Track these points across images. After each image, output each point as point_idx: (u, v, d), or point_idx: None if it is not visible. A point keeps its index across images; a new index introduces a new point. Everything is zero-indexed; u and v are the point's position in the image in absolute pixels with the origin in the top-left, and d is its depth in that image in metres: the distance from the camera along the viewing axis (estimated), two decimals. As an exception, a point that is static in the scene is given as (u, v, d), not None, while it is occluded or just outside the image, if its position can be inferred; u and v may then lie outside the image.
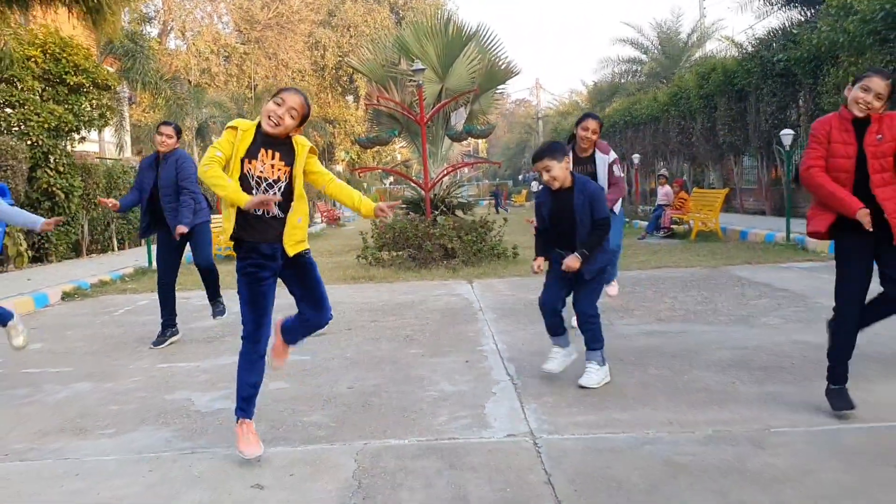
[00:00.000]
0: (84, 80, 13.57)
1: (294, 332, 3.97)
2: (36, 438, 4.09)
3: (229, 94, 35.59)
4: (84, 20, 6.67)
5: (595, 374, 4.54)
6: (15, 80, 12.94)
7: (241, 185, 3.45)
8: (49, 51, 13.29)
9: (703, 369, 4.89)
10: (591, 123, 5.89)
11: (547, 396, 4.41)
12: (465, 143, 38.83)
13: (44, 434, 4.15)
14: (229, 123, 3.57)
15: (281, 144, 3.54)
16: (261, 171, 3.48)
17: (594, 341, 4.59)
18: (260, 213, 3.50)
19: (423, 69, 12.27)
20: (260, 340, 3.66)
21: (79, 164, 14.53)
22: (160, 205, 6.28)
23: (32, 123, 12.79)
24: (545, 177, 4.47)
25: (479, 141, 66.20)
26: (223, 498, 3.18)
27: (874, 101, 3.71)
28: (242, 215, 3.49)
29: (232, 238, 3.59)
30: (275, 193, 3.48)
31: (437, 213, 11.79)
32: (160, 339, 6.41)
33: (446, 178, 16.36)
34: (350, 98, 46.56)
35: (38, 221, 5.28)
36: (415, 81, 16.84)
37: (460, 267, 10.37)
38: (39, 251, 13.44)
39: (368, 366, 5.41)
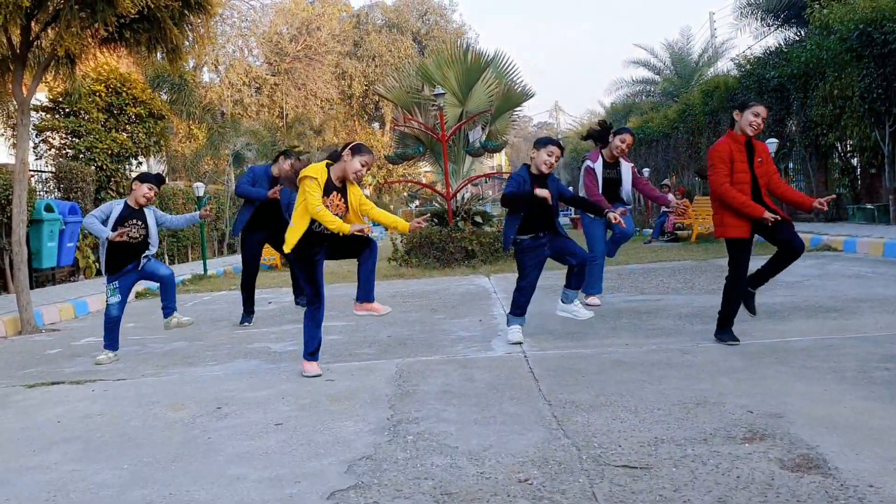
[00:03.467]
0: (142, 111, 15.29)
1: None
2: (159, 368, 5.55)
3: (262, 123, 37.44)
4: (165, 58, 8.15)
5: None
6: (82, 111, 14.66)
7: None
8: (111, 85, 15.03)
9: (665, 318, 6.24)
10: (628, 138, 7.10)
11: (540, 335, 5.80)
12: (488, 163, 40.24)
13: (163, 366, 5.62)
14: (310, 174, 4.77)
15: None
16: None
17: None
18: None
19: (443, 93, 13.77)
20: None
21: (135, 187, 16.20)
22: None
23: (98, 150, 14.47)
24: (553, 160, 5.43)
25: (503, 162, 67.59)
26: (306, 386, 4.60)
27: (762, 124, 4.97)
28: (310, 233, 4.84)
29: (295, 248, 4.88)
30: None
31: (458, 219, 13.21)
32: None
33: (468, 192, 17.78)
34: (376, 125, 48.49)
35: (195, 216, 6.62)
36: (436, 105, 18.50)
37: (479, 265, 11.79)
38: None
39: (402, 325, 6.83)
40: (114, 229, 5.85)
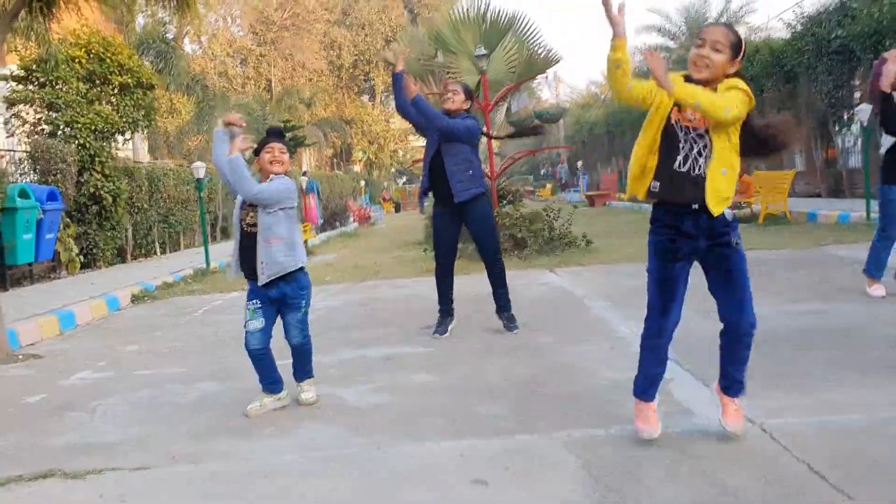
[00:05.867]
0: (129, 80, 13.30)
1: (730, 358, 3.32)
2: (194, 441, 3.80)
3: (248, 97, 35.34)
4: (172, 9, 6.46)
5: None
6: (59, 81, 12.68)
7: (667, 138, 3.11)
8: (93, 51, 13.02)
9: (887, 347, 4.55)
10: None
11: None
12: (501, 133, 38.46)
13: (200, 437, 3.87)
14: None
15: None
16: (690, 120, 3.08)
17: None
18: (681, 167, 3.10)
19: (486, 54, 11.96)
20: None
21: (121, 167, 14.27)
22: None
23: (79, 125, 12.51)
24: None
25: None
26: (449, 496, 2.88)
27: None
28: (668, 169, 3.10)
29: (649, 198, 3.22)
30: (705, 145, 3.08)
31: (504, 203, 11.48)
32: (442, 330, 5.85)
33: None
34: (366, 98, 46.37)
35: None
36: (454, 72, 16.62)
37: (534, 256, 10.05)
38: (87, 257, 13.15)
39: (506, 353, 5.11)
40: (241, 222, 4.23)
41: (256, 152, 4.28)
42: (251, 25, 38.64)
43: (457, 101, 5.71)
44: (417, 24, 37.39)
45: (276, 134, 4.34)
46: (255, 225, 4.14)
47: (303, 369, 4.42)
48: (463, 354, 5.24)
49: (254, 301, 4.23)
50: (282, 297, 4.22)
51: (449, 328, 5.88)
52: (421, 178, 5.93)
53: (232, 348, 6.00)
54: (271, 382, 4.31)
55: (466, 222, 5.81)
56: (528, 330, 5.87)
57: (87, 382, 5.27)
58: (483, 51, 11.46)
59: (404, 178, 60.84)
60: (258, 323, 4.21)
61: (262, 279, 4.13)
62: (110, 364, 5.81)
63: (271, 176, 4.19)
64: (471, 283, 7.91)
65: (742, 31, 28.02)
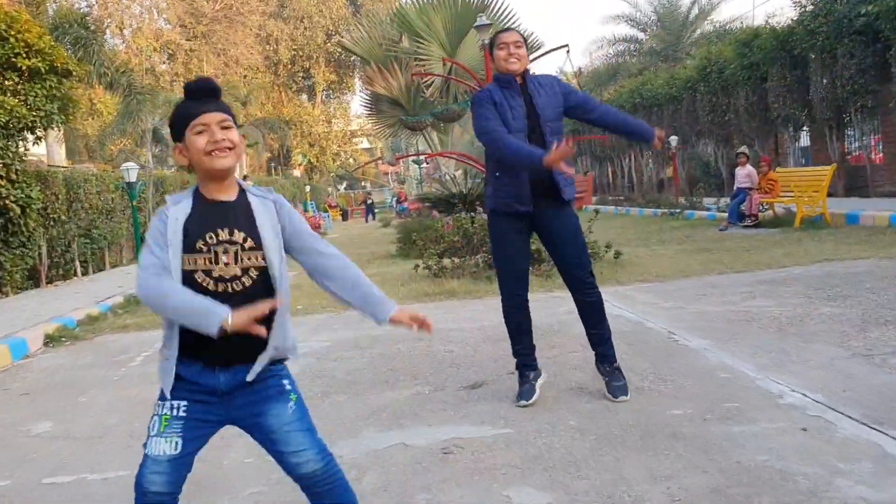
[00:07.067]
0: (39, 64, 11.03)
1: None
2: None
3: (177, 95, 32.87)
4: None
5: None
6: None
7: None
8: (-8, 28, 10.74)
9: None
10: None
11: None
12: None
13: None
14: None
15: None
16: None
17: None
18: None
19: (488, 24, 10.22)
20: None
21: (32, 171, 11.97)
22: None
23: (-23, 120, 10.25)
24: None
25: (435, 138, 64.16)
26: None
27: None
28: None
29: None
30: None
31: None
32: (528, 390, 4.01)
33: (455, 170, 14.34)
34: (304, 97, 44.04)
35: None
36: (423, 58, 14.89)
37: (553, 274, 8.22)
38: (-10, 282, 10.84)
39: (637, 445, 3.30)
40: (184, 278, 2.02)
41: (176, 135, 2.15)
42: (179, 17, 35.94)
43: (522, 56, 3.99)
44: (361, 17, 35.57)
45: (206, 91, 2.12)
46: (238, 278, 2.04)
47: None
48: (565, 441, 3.42)
49: (171, 402, 2.09)
50: (240, 385, 2.08)
51: (537, 387, 4.06)
52: (490, 175, 4.10)
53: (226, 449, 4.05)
54: None
55: (552, 231, 4.05)
56: (637, 392, 4.06)
57: (-35, 511, 3.27)
58: (485, 20, 9.70)
59: (345, 184, 58.65)
60: (169, 445, 2.06)
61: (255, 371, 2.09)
62: (10, 463, 3.80)
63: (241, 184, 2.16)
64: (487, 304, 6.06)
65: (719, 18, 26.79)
